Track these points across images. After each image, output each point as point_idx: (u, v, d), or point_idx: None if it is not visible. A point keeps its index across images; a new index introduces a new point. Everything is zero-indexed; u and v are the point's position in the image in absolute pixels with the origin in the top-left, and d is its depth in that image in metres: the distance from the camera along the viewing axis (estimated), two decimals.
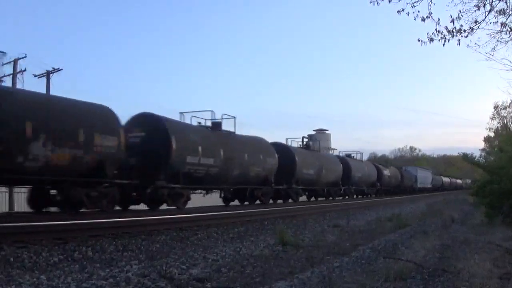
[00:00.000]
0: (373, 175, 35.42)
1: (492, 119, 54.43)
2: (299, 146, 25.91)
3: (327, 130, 49.84)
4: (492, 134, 54.03)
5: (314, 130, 42.43)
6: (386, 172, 39.51)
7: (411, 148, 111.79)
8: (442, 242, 8.56)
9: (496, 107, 52.53)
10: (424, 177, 58.09)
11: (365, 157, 46.59)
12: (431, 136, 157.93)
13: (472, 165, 19.26)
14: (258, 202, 19.42)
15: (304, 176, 23.12)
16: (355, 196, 33.05)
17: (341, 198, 29.29)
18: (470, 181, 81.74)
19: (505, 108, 50.10)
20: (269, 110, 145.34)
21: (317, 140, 31.57)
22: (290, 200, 22.54)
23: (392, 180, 41.08)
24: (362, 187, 33.13)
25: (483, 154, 49.40)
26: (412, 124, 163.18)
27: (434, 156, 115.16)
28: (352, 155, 35.27)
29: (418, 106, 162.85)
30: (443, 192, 62.19)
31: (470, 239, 8.92)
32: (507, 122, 51.81)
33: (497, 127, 52.77)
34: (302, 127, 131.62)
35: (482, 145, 59.04)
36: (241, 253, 7.49)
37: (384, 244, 8.51)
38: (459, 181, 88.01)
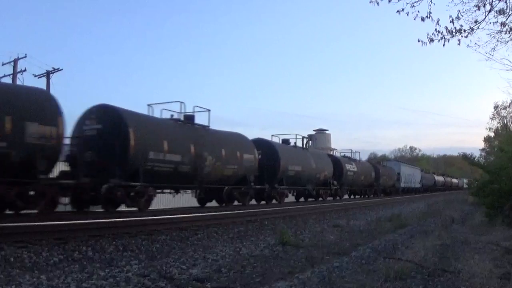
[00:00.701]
0: (326, 170, 25.77)
1: (492, 119, 54.44)
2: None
3: (327, 130, 49.69)
4: (492, 134, 54.05)
5: (314, 130, 42.31)
6: (350, 167, 30.09)
7: (411, 148, 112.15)
8: (442, 242, 8.55)
9: (496, 107, 52.58)
10: (410, 175, 49.73)
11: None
12: (431, 136, 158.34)
13: (472, 165, 19.26)
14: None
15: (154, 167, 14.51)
16: (292, 198, 23.91)
17: (264, 203, 20.18)
18: (466, 180, 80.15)
19: (505, 108, 50.11)
20: (269, 110, 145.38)
21: (316, 140, 31.16)
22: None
23: (361, 177, 32.01)
24: (304, 186, 23.38)
25: (483, 154, 49.57)
26: (412, 124, 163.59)
27: (434, 156, 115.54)
28: (291, 140, 23.81)
29: (418, 106, 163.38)
30: (435, 193, 55.63)
31: (470, 239, 8.92)
32: (507, 122, 51.82)
33: (497, 127, 52.78)
34: (302, 127, 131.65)
35: (482, 145, 59.12)
36: (241, 253, 7.49)
37: (384, 244, 8.52)
38: (455, 180, 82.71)
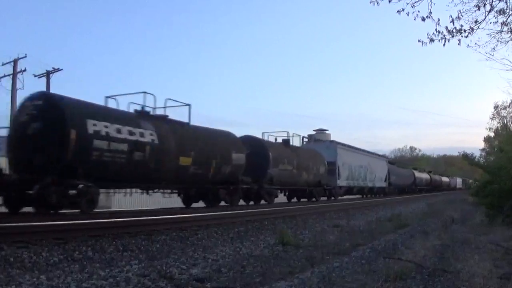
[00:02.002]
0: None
1: (492, 119, 54.68)
2: None
3: (327, 130, 49.52)
4: (492, 134, 54.17)
5: (314, 130, 42.10)
6: (106, 130, 11.42)
7: (411, 148, 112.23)
8: (442, 242, 8.55)
9: (496, 107, 52.76)
10: (362, 167, 31.37)
11: None
12: (431, 136, 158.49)
13: (472, 165, 19.28)
14: None
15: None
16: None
17: None
18: (461, 180, 77.70)
19: (505, 108, 50.33)
20: (269, 110, 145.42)
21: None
22: None
23: (170, 159, 13.83)
24: None
25: (483, 154, 49.63)
26: (412, 124, 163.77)
27: (434, 156, 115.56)
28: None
29: (418, 106, 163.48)
30: (410, 196, 38.50)
31: (470, 239, 8.92)
32: (507, 122, 51.94)
33: (497, 127, 52.92)
34: (302, 127, 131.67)
35: (482, 145, 59.22)
36: (241, 253, 7.49)
37: (384, 244, 8.51)
38: (446, 179, 70.09)
